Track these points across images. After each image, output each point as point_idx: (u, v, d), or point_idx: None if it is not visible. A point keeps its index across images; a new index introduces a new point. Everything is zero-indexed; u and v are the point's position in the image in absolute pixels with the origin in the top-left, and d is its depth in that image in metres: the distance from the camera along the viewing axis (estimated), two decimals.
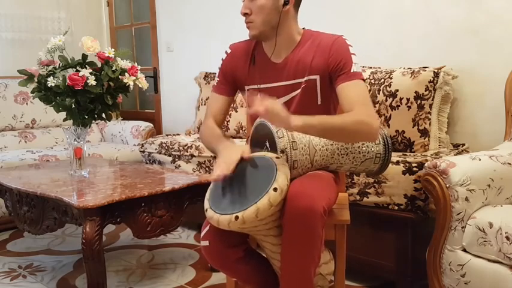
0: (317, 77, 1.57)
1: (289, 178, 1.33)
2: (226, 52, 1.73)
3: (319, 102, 1.60)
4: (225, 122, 3.27)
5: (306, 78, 1.58)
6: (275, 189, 1.27)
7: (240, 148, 1.46)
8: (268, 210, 1.27)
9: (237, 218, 1.27)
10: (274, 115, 1.30)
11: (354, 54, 1.54)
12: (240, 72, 1.69)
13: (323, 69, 1.56)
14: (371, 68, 2.57)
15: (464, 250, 1.68)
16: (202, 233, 1.48)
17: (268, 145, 1.50)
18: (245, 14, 1.56)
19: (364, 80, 1.53)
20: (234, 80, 1.71)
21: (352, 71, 1.50)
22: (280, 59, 1.63)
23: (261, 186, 1.30)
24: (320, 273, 1.58)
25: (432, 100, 2.31)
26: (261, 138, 1.53)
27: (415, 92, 2.31)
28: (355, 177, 2.12)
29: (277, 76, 1.62)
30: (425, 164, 1.83)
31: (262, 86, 1.65)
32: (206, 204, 1.39)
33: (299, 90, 1.60)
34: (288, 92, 1.62)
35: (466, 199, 1.67)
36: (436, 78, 2.31)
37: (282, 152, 1.40)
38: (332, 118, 1.46)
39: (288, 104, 1.60)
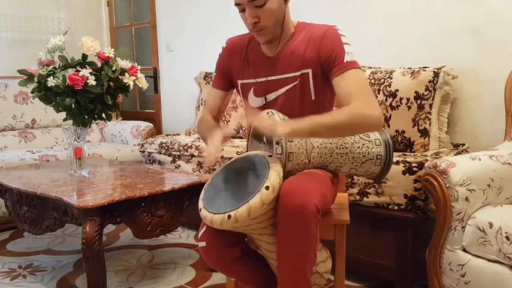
0: (309, 71, 1.53)
1: (281, 176, 1.33)
2: (222, 47, 1.73)
3: (313, 98, 1.56)
4: (225, 122, 3.27)
5: (300, 72, 1.54)
6: (267, 188, 1.27)
7: (219, 131, 1.47)
8: (261, 208, 1.27)
9: (229, 217, 1.27)
10: (261, 128, 1.34)
11: (347, 43, 1.48)
12: (235, 67, 1.68)
13: (315, 62, 1.52)
14: (371, 68, 2.57)
15: (464, 250, 1.68)
16: (200, 234, 1.48)
17: (265, 139, 1.51)
18: (255, 23, 1.49)
19: (360, 68, 1.47)
20: (230, 75, 1.70)
21: (345, 61, 1.45)
22: (274, 52, 1.59)
23: (254, 184, 1.31)
24: (317, 272, 1.58)
25: (432, 100, 2.31)
26: (260, 133, 1.53)
27: (415, 92, 2.31)
28: (355, 177, 2.12)
29: (270, 70, 1.59)
30: (425, 164, 1.83)
31: (255, 80, 1.62)
32: (200, 204, 1.39)
33: (292, 85, 1.56)
34: (281, 86, 1.58)
35: (466, 199, 1.67)
36: (436, 78, 2.31)
37: (277, 143, 1.40)
38: (322, 117, 1.39)
39: (281, 99, 1.58)
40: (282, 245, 1.35)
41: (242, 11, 1.50)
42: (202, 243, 1.47)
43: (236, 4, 1.49)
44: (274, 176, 1.30)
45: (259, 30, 1.51)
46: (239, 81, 1.68)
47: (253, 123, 1.37)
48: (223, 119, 3.27)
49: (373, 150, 1.56)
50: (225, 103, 1.76)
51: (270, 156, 1.39)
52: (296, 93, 1.56)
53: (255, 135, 1.58)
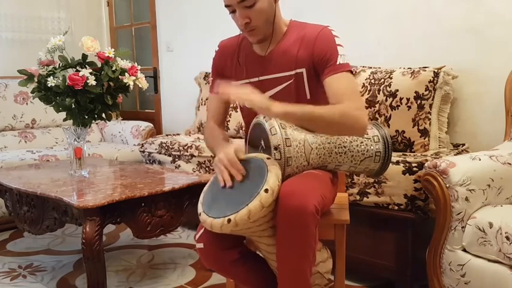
0: (303, 70, 1.53)
1: (280, 178, 1.32)
2: (215, 50, 1.72)
3: (308, 97, 1.56)
4: (225, 122, 3.27)
5: (294, 71, 1.54)
6: (266, 191, 1.27)
7: (232, 145, 1.47)
8: (260, 211, 1.27)
9: (229, 221, 1.27)
10: (249, 102, 1.36)
11: (340, 45, 1.48)
12: (228, 69, 1.68)
13: (308, 61, 1.51)
14: (371, 68, 2.57)
15: (464, 250, 1.68)
16: (197, 235, 1.47)
17: (263, 143, 1.50)
18: (246, 24, 1.49)
19: (352, 72, 1.48)
20: (225, 78, 1.69)
21: (338, 63, 1.46)
22: (266, 51, 1.59)
23: (252, 188, 1.30)
24: (318, 272, 1.58)
25: (432, 100, 2.32)
26: (257, 137, 1.53)
27: (415, 92, 2.31)
28: (355, 177, 2.12)
29: (263, 69, 1.59)
30: (425, 164, 1.83)
31: (249, 80, 1.62)
32: (199, 208, 1.39)
33: (286, 84, 1.56)
34: (275, 86, 1.58)
35: (466, 199, 1.67)
36: (436, 78, 2.31)
37: (276, 148, 1.39)
38: (316, 108, 1.40)
39: (277, 98, 1.54)
40: (282, 246, 1.34)
41: (232, 12, 1.50)
42: (200, 245, 1.46)
43: (226, 6, 1.49)
44: (273, 178, 1.30)
45: (250, 31, 1.51)
46: (233, 83, 1.67)
47: (245, 101, 1.38)
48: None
49: (371, 147, 1.55)
50: (226, 107, 1.75)
51: (268, 158, 1.38)
52: (291, 92, 1.56)
53: (252, 144, 1.58)
